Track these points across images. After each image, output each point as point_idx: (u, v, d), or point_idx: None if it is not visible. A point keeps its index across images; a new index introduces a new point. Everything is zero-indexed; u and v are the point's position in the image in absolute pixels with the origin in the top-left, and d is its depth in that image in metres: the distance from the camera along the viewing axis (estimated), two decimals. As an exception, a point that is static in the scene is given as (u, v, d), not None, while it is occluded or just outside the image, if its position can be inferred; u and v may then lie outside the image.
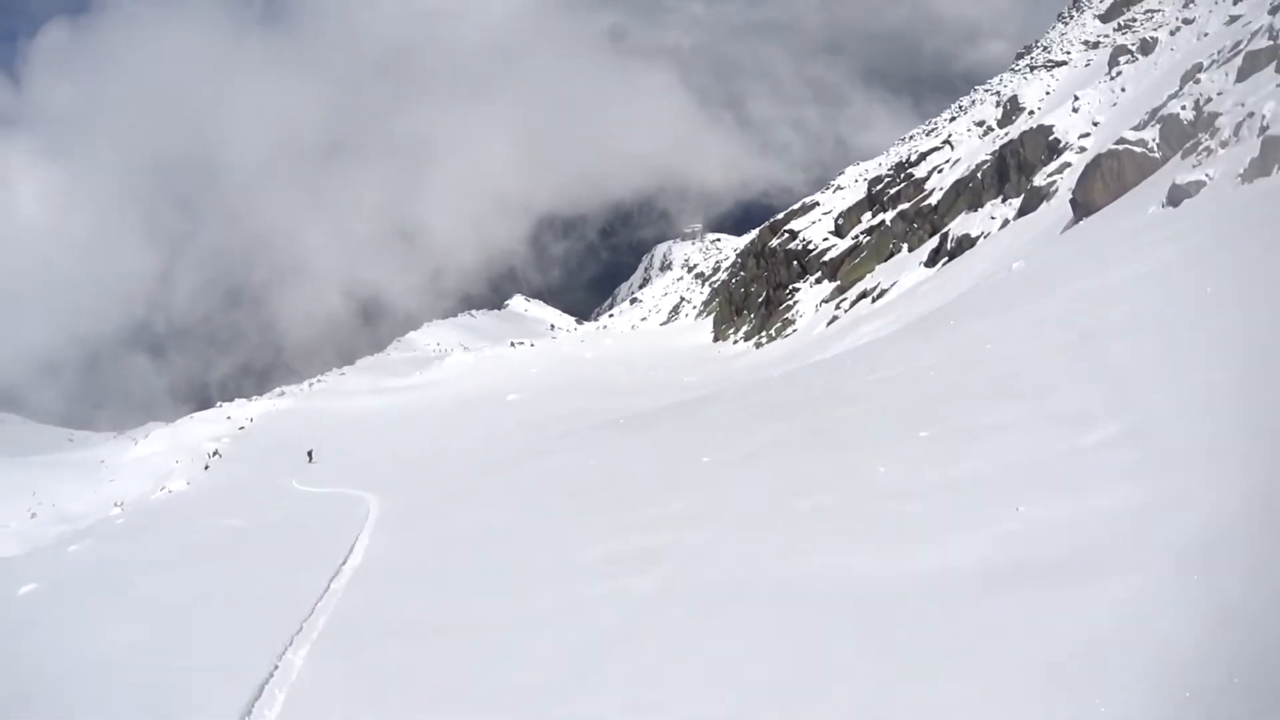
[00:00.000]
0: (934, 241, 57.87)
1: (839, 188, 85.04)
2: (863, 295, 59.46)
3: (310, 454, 36.50)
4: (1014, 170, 54.13)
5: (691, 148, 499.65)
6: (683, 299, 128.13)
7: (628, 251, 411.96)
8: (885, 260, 64.32)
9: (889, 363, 15.36)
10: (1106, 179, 30.34)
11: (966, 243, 51.72)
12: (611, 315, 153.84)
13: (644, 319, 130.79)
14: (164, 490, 33.96)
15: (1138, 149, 30.60)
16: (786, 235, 79.00)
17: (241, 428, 57.42)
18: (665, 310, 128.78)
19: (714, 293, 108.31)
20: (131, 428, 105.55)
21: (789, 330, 66.37)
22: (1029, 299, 15.78)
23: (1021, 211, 48.37)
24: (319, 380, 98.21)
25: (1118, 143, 31.62)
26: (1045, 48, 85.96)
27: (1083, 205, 31.07)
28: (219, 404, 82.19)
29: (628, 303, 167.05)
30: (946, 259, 52.83)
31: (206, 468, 37.33)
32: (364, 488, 21.31)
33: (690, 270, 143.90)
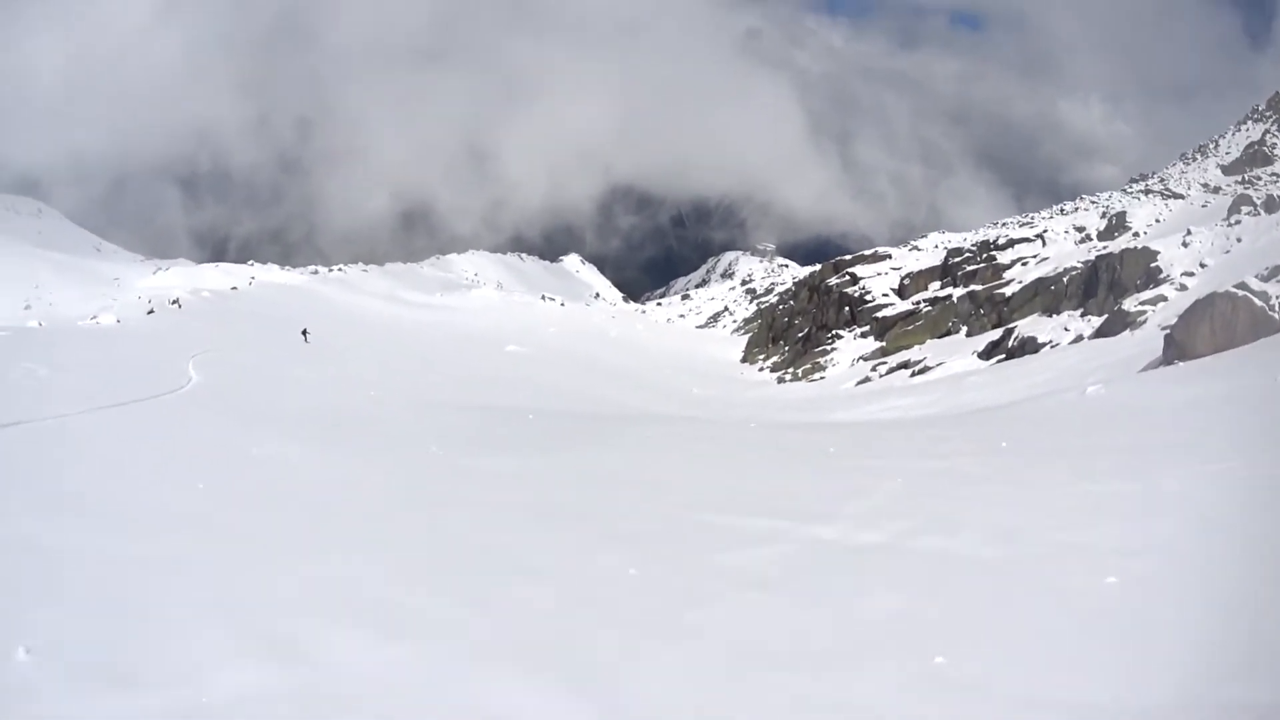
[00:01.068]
0: (996, 334, 53.66)
1: (916, 248, 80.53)
2: (904, 365, 55.34)
3: (305, 333, 35.93)
4: (1104, 286, 49.74)
5: (788, 168, 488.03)
6: (726, 309, 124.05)
7: (694, 247, 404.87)
8: (940, 336, 60.09)
9: (891, 467, 11.80)
10: (1216, 325, 26.26)
11: (1030, 345, 47.49)
12: (659, 304, 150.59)
13: (683, 316, 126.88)
14: (92, 320, 30.98)
15: (1259, 301, 26.48)
16: (847, 278, 74.77)
17: (235, 288, 54.64)
18: (706, 315, 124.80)
19: (758, 313, 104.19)
20: (145, 255, 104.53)
21: (817, 375, 62.39)
22: (1111, 441, 12.02)
23: (1100, 333, 44.11)
24: (340, 269, 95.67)
25: (1238, 286, 27.50)
26: (1163, 180, 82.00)
27: (1179, 346, 26.99)
28: (250, 262, 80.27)
29: (679, 297, 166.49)
30: (1004, 356, 48.63)
31: (150, 313, 34.25)
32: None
33: (744, 284, 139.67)
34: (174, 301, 39.58)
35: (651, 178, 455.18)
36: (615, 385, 41.47)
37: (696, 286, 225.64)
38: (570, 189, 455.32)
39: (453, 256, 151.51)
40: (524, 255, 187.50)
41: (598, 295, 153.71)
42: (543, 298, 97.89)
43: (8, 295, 47.14)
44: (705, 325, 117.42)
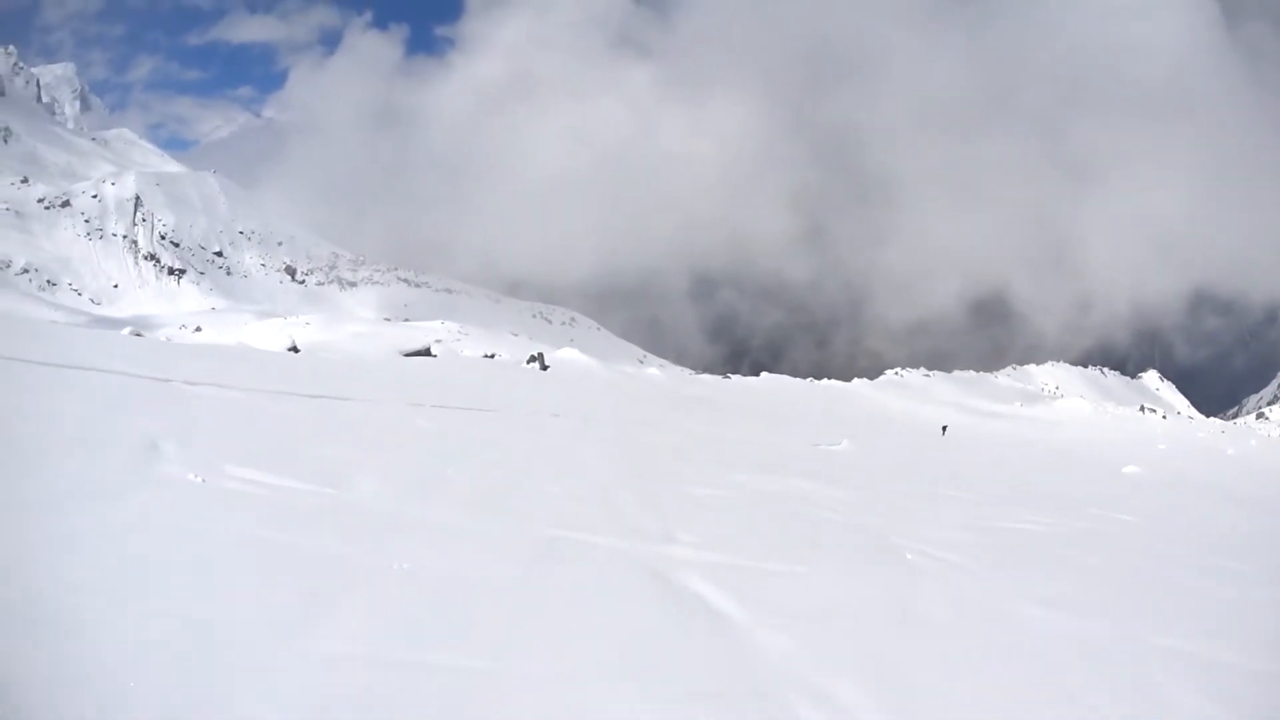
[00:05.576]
0: None
1: None
2: None
3: (945, 429, 38.43)
4: None
5: None
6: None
7: (1262, 358, 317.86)
8: None
9: None
10: None
11: None
12: (1235, 421, 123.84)
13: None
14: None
15: None
16: None
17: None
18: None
19: None
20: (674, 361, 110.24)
21: None
22: None
23: None
24: (898, 373, 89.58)
25: None
26: None
27: None
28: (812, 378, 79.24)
29: (1253, 416, 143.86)
30: None
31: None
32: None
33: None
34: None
35: (1230, 276, 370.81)
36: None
37: (1269, 404, 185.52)
38: (1152, 286, 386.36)
39: (1030, 367, 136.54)
40: (1105, 370, 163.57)
41: (1179, 413, 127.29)
42: (1141, 409, 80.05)
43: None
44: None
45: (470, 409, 16.81)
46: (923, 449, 31.14)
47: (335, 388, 15.80)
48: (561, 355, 44.98)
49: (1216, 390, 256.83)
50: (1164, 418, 74.95)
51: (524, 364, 38.44)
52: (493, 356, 44.69)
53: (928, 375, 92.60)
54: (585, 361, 43.53)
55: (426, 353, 31.82)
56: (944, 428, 39.88)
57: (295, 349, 26.69)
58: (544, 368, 37.11)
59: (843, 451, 24.25)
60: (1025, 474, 28.16)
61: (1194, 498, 30.27)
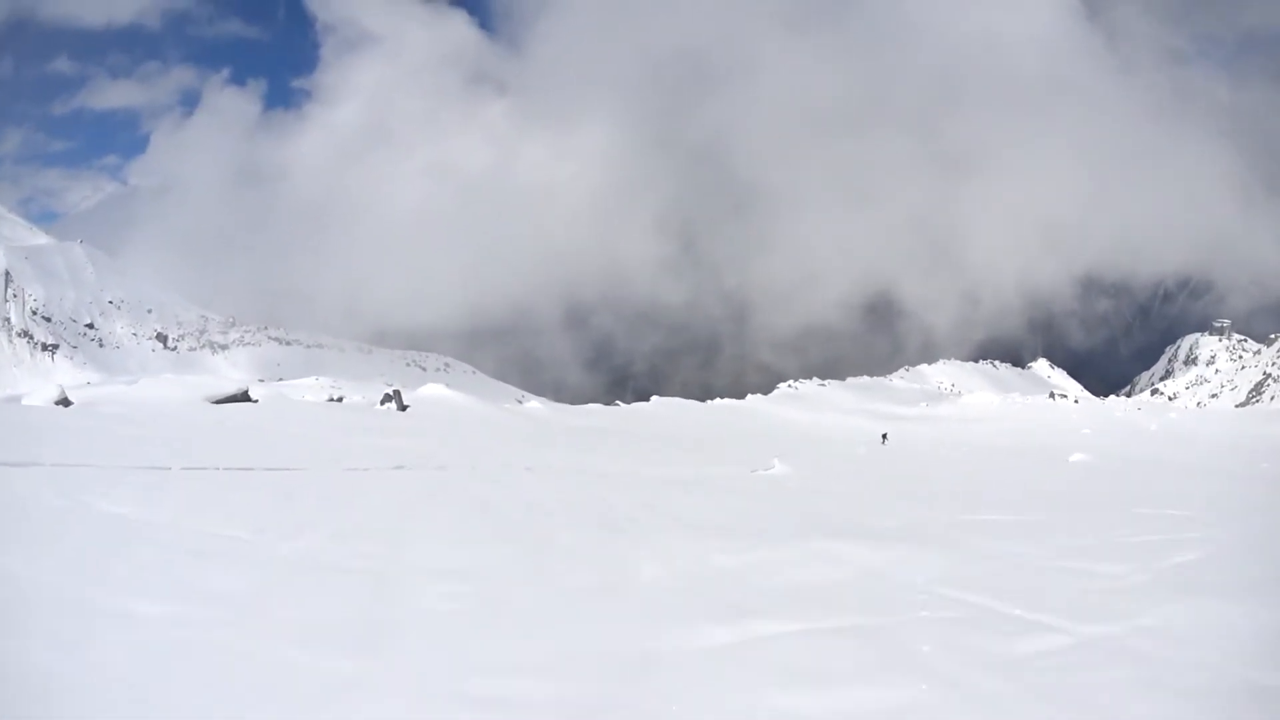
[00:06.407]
0: None
1: None
2: None
3: (884, 436, 38.32)
4: None
5: (1237, 230, 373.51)
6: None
7: (1146, 335, 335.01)
8: None
9: None
10: None
11: None
12: (1129, 396, 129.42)
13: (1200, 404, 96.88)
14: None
15: None
16: None
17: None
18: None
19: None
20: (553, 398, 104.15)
21: None
22: None
23: None
24: (791, 385, 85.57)
25: None
26: None
27: None
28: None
29: (1148, 394, 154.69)
30: None
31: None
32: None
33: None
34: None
35: (1117, 258, 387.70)
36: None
37: (1161, 379, 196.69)
38: (1040, 274, 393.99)
39: (923, 367, 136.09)
40: (996, 363, 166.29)
41: (1077, 400, 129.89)
42: (1051, 395, 78.22)
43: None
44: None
45: (264, 469, 11.83)
46: (864, 465, 25.60)
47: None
48: (425, 393, 37.95)
49: (1108, 372, 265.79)
50: (1076, 402, 73.19)
51: (377, 405, 31.49)
52: (339, 399, 37.07)
53: (823, 384, 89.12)
54: (453, 398, 36.67)
55: (245, 398, 24.48)
56: (884, 435, 38.81)
57: (66, 402, 19.85)
58: (402, 408, 30.33)
59: (782, 476, 18.11)
60: (1002, 479, 22.85)
61: (1195, 480, 25.56)
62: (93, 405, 20.66)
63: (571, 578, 6.86)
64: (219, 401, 23.21)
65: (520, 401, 59.04)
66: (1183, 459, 35.30)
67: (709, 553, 7.90)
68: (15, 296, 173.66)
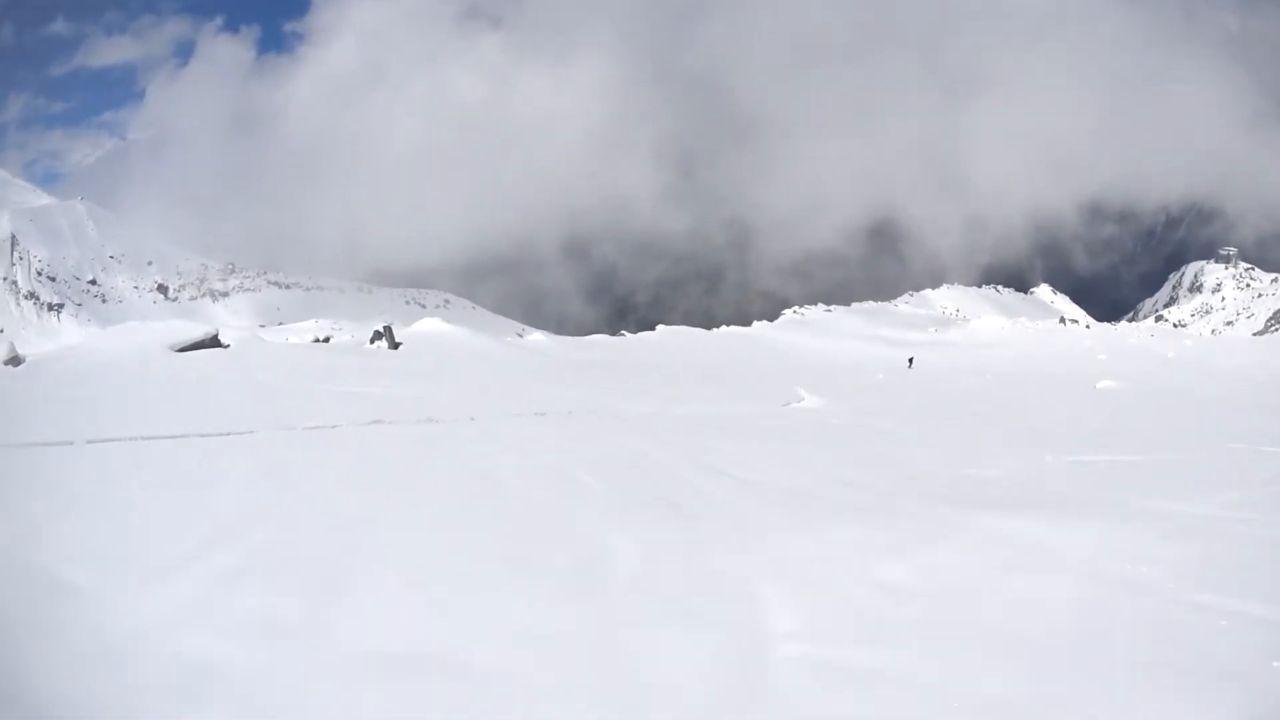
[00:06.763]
0: None
1: None
2: None
3: (910, 361, 39.11)
4: None
5: (1254, 157, 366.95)
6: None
7: (1150, 261, 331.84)
8: None
9: None
10: None
11: None
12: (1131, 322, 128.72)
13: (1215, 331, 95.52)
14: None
15: None
16: None
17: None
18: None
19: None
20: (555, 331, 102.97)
21: None
22: None
23: None
24: (796, 311, 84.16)
25: None
26: None
27: None
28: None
29: (1152, 319, 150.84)
30: None
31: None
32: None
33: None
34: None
35: (1123, 183, 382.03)
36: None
37: (1165, 306, 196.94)
38: (1046, 199, 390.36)
39: (927, 292, 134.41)
40: (999, 287, 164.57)
41: (1088, 326, 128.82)
42: (1061, 320, 77.06)
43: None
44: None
45: (197, 435, 9.76)
46: (893, 394, 24.43)
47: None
48: (420, 328, 36.40)
49: (1112, 297, 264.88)
50: (1088, 327, 71.98)
51: (367, 344, 29.92)
52: (326, 340, 35.64)
53: (829, 310, 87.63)
54: (450, 333, 35.10)
55: (214, 343, 22.73)
56: (910, 360, 39.31)
57: (16, 360, 18.75)
58: (394, 345, 28.75)
59: (820, 410, 16.88)
60: (1046, 408, 21.65)
61: (1245, 414, 24.38)
62: (46, 362, 18.84)
63: (671, 651, 4.19)
64: (184, 349, 21.32)
65: (521, 335, 57.59)
66: (1215, 391, 34.25)
67: (850, 555, 5.48)
68: (21, 259, 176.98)
